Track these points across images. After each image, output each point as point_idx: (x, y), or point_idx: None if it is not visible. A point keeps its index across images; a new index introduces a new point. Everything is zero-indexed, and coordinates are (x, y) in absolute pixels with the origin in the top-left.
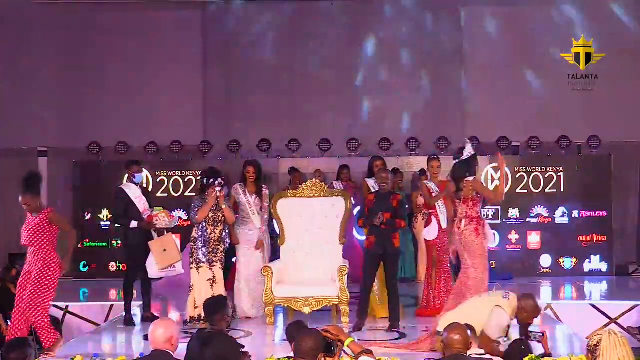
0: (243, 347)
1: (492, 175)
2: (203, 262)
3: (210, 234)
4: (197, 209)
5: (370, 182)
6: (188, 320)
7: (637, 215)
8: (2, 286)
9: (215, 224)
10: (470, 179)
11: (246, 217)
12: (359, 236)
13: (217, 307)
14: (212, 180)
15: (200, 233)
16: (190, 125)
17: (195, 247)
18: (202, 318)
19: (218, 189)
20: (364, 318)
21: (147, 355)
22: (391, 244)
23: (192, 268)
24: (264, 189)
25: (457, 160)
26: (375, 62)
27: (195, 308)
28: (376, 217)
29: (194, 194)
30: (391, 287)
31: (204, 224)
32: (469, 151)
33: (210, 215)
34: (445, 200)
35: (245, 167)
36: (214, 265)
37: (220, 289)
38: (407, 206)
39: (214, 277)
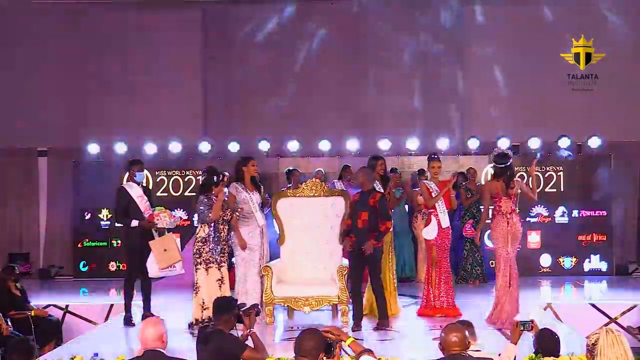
0: (246, 346)
1: (492, 175)
2: (212, 263)
3: (220, 233)
4: (207, 208)
5: None
6: (194, 322)
7: (637, 215)
8: (3, 286)
9: (224, 223)
10: (518, 179)
11: (248, 216)
12: None
13: (228, 307)
14: (221, 176)
15: (212, 233)
16: (190, 125)
17: (206, 247)
18: (211, 320)
19: (225, 189)
20: (360, 319)
21: (140, 356)
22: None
23: (199, 269)
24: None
25: (504, 165)
26: (375, 62)
27: (204, 310)
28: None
29: (194, 194)
30: (376, 286)
31: (216, 223)
32: (512, 157)
33: (219, 214)
34: (446, 199)
35: (247, 161)
36: (222, 266)
37: (227, 289)
38: (405, 203)
39: (222, 277)
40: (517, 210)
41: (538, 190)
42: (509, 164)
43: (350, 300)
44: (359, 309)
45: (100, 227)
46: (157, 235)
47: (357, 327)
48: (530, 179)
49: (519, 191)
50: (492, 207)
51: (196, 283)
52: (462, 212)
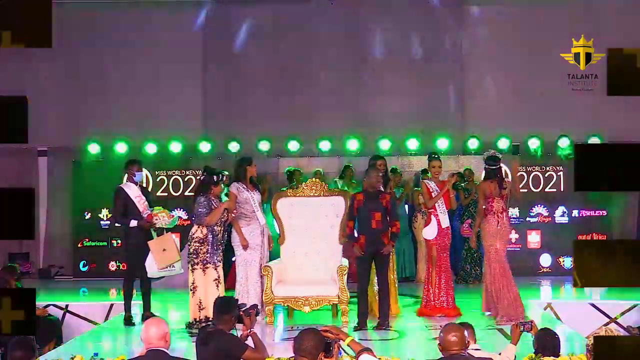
0: (246, 346)
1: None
2: (210, 263)
3: (218, 234)
4: (206, 211)
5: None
6: (192, 322)
7: (636, 215)
8: (4, 286)
9: (221, 225)
10: (509, 180)
11: (249, 215)
12: None
13: (228, 307)
14: (221, 176)
15: (211, 234)
16: (190, 125)
17: (203, 248)
18: (209, 320)
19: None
20: (365, 318)
21: (142, 355)
22: (382, 243)
23: (195, 269)
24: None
25: (495, 167)
26: (375, 61)
27: (201, 310)
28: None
29: (193, 194)
30: (385, 286)
31: (214, 224)
32: (501, 158)
33: (218, 218)
34: (445, 199)
35: (249, 161)
36: (218, 266)
37: (223, 289)
38: (406, 204)
39: (218, 276)
40: (517, 211)
41: (538, 190)
42: (499, 166)
43: (358, 299)
44: (365, 309)
45: (100, 227)
46: (156, 235)
47: (362, 326)
48: (511, 177)
49: (509, 192)
50: (484, 206)
51: (193, 283)
52: (461, 212)
